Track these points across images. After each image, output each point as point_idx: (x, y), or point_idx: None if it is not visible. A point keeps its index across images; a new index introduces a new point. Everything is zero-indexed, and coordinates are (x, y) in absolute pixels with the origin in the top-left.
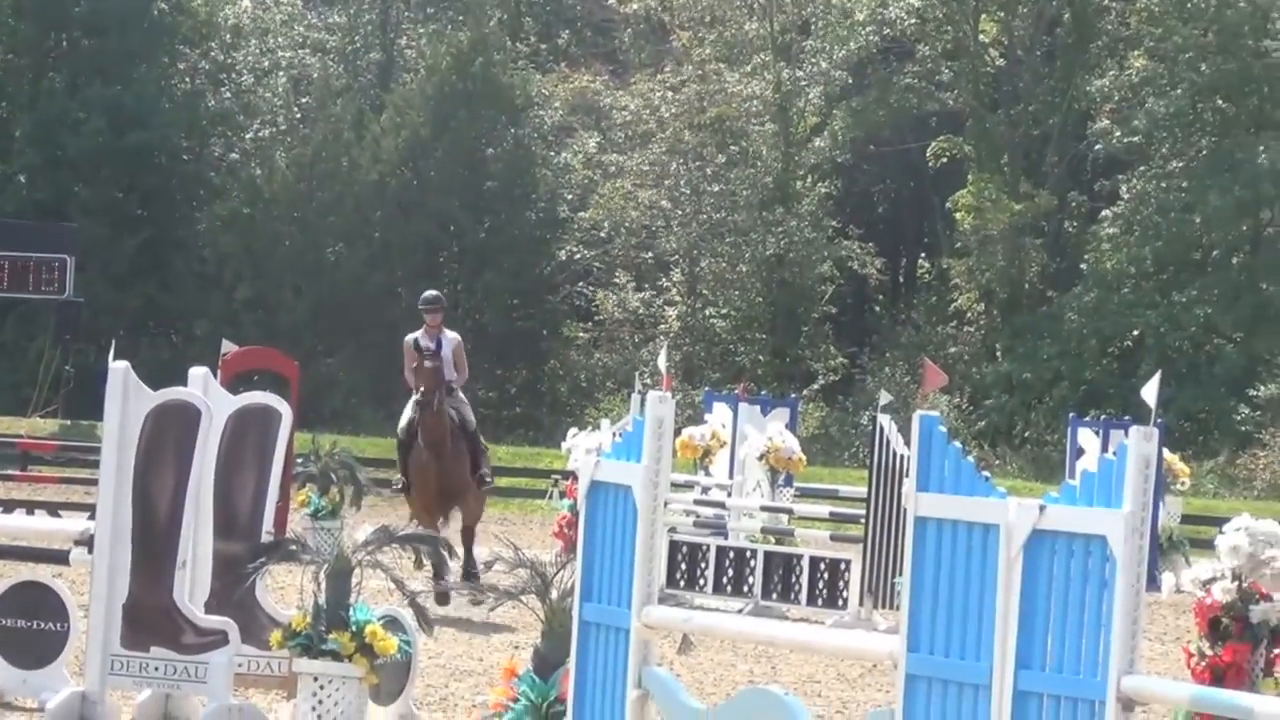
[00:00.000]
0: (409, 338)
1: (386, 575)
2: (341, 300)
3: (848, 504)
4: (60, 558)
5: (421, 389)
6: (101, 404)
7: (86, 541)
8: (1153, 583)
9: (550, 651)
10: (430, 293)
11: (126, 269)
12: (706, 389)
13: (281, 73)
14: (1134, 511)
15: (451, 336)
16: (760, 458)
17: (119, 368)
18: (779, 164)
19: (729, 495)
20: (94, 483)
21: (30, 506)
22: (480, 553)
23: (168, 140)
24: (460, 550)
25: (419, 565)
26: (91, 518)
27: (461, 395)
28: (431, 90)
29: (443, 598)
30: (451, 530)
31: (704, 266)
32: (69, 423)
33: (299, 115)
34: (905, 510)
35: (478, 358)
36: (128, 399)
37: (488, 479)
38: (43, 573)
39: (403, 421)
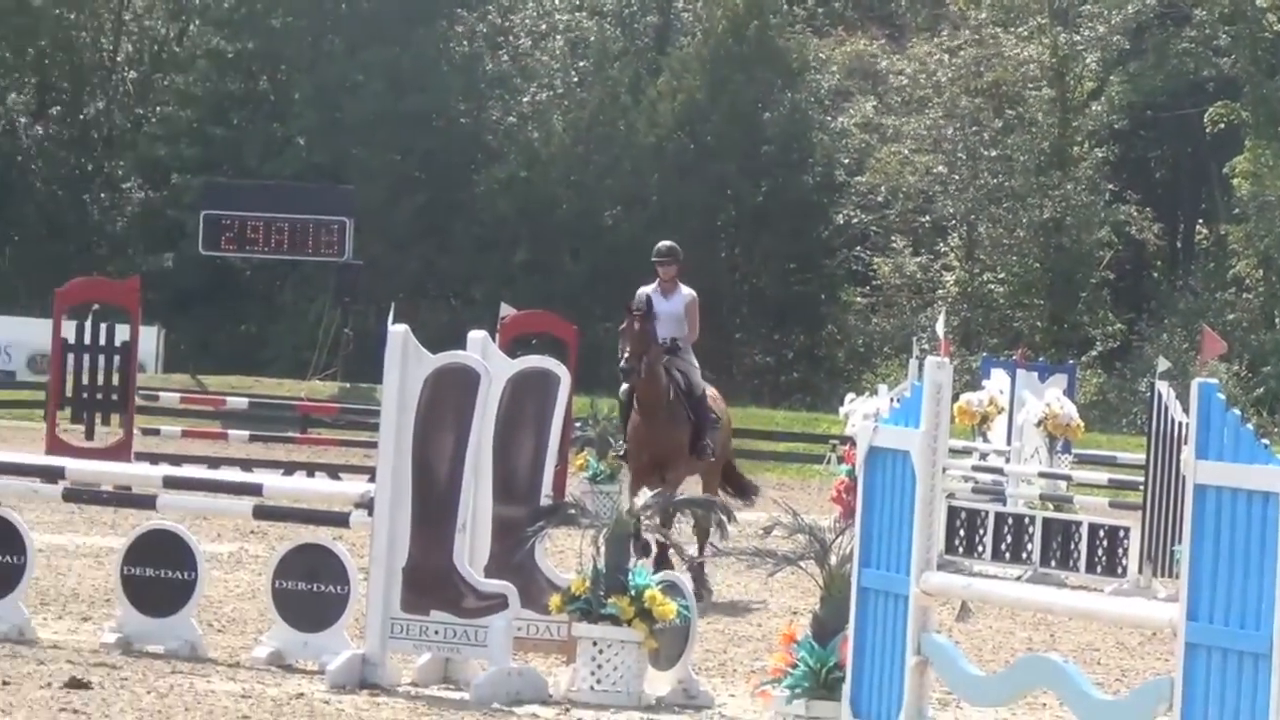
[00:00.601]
0: (639, 291)
1: (665, 540)
2: (619, 264)
3: (1126, 471)
4: (340, 520)
5: (626, 353)
6: (380, 367)
7: (366, 504)
8: None
9: (829, 617)
10: (664, 244)
11: (405, 232)
12: (984, 355)
13: (559, 36)
14: None
15: (686, 293)
16: (1038, 424)
17: (398, 331)
18: (1056, 129)
19: (1007, 461)
20: (373, 445)
21: (310, 469)
22: (758, 518)
23: (445, 104)
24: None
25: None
26: (371, 480)
27: (691, 358)
28: (708, 54)
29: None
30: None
31: (981, 231)
32: (348, 385)
33: (576, 79)
34: (1184, 478)
35: (755, 322)
36: (407, 362)
37: (709, 451)
38: (323, 535)
39: (625, 385)
